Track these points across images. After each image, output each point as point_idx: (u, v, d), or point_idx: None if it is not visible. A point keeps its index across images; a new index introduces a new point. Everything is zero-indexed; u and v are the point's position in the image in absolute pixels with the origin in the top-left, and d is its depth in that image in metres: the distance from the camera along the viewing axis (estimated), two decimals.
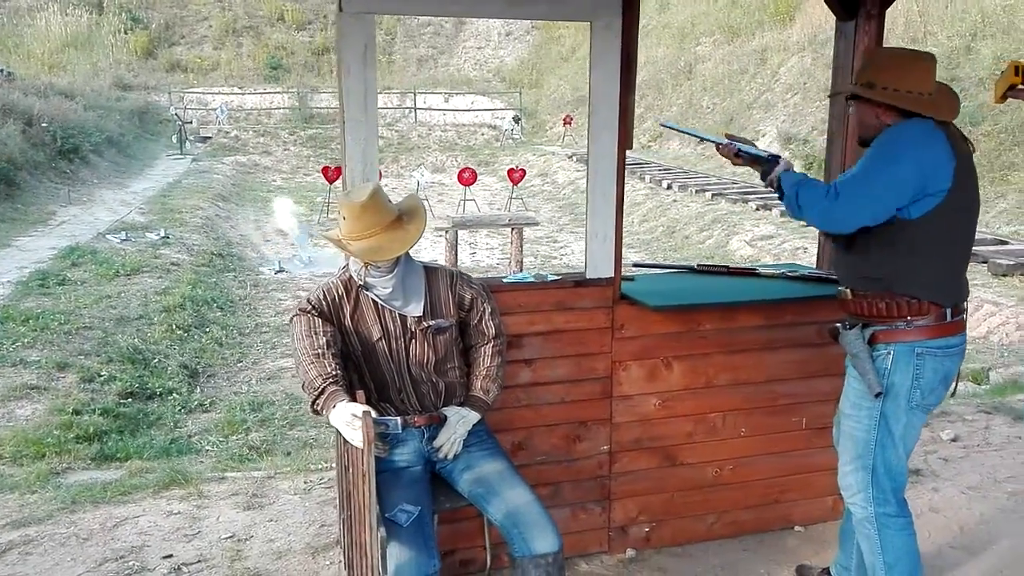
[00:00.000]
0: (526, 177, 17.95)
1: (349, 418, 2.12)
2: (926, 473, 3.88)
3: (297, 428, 5.83)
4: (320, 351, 2.32)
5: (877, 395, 2.35)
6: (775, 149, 18.94)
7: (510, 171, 17.10)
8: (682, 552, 3.21)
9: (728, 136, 2.59)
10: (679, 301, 2.93)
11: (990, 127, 13.81)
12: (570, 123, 27.89)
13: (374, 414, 2.09)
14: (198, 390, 6.52)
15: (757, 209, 13.18)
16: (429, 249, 12.95)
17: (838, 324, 2.53)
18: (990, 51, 14.73)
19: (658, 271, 3.54)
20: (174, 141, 23.93)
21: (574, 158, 22.67)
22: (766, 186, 2.71)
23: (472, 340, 2.63)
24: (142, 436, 5.28)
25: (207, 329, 8.12)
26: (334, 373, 2.27)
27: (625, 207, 3.01)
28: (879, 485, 2.43)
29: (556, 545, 2.34)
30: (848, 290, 2.47)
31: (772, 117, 19.92)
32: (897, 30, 18.26)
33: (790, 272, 3.32)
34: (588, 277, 2.94)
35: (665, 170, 18.59)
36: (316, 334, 2.37)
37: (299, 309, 2.46)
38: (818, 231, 3.15)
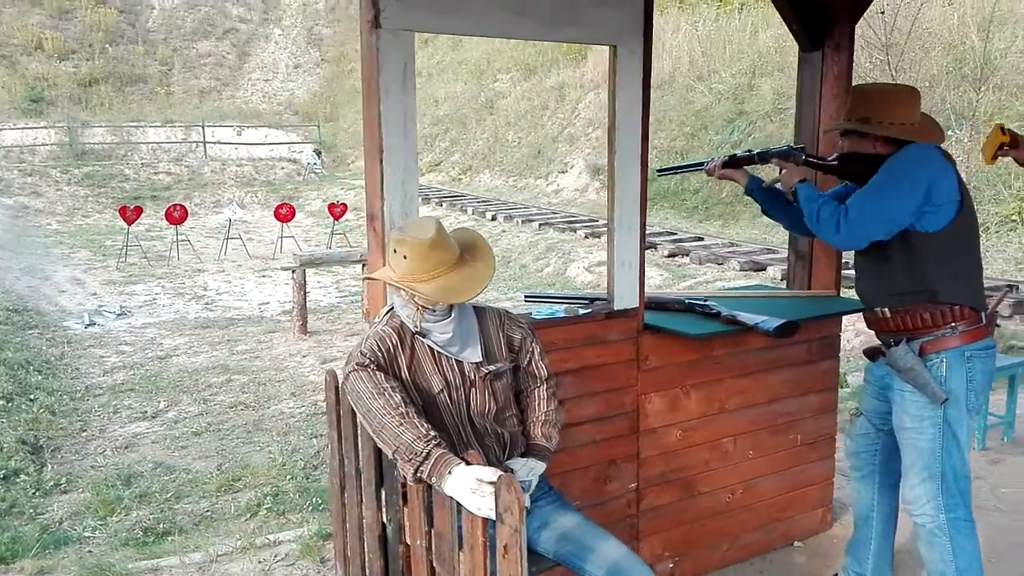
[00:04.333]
0: None
1: (475, 484, 1.85)
2: None
3: (184, 500, 5.16)
4: (403, 410, 2.02)
5: (943, 402, 2.43)
6: (584, 180, 19.84)
7: (331, 206, 16.57)
8: None
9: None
10: (702, 329, 2.89)
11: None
12: None
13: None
14: (48, 468, 5.58)
15: (586, 237, 13.65)
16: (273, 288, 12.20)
17: (879, 344, 2.62)
18: (770, 87, 16.40)
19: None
20: None
21: None
22: (766, 186, 2.83)
23: (523, 383, 2.42)
24: (4, 529, 4.40)
25: (32, 396, 7.01)
26: (432, 434, 1.98)
27: None
28: (948, 491, 2.48)
29: None
30: (885, 309, 2.55)
31: (578, 150, 20.85)
32: (683, 68, 19.86)
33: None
34: (615, 308, 2.83)
35: (484, 202, 18.81)
36: (387, 391, 2.06)
37: (357, 364, 2.12)
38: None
